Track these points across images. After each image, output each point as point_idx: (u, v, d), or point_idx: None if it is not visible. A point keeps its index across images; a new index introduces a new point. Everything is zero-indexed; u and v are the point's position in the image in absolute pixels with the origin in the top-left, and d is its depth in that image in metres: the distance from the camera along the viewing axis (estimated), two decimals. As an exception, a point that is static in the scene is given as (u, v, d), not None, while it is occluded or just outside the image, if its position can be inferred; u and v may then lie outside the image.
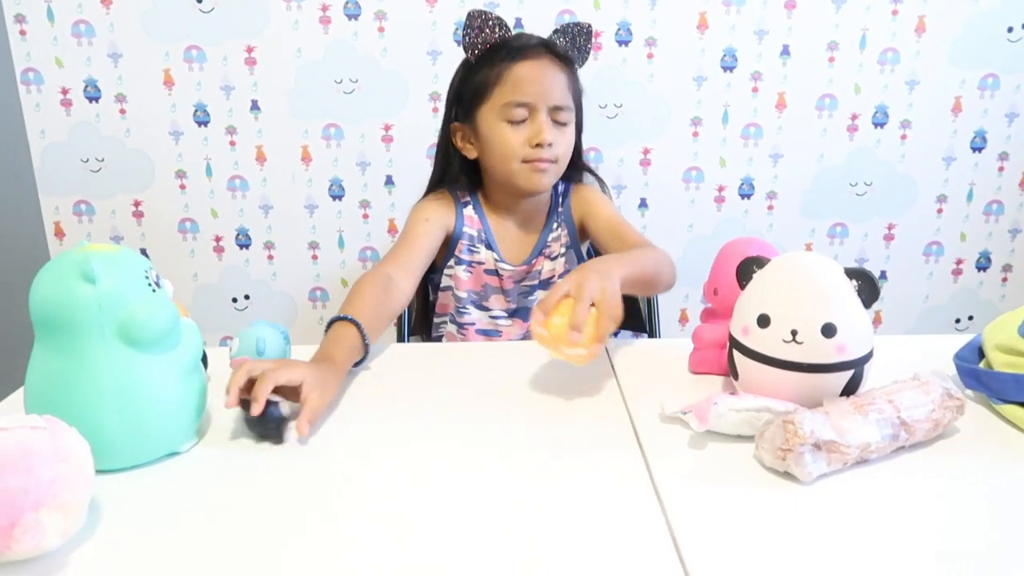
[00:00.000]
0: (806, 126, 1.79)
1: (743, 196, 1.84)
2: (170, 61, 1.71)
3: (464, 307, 1.22)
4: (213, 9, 1.68)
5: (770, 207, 1.85)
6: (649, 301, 1.54)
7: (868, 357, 0.83)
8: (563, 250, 1.23)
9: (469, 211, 1.20)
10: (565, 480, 0.70)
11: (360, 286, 1.03)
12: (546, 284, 1.23)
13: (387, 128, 1.76)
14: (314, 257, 1.85)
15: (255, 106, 1.74)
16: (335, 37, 1.70)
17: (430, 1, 1.68)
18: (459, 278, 1.21)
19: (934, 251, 1.89)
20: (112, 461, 0.69)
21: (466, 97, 1.15)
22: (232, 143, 1.77)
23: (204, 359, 0.94)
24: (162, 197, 1.80)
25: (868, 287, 0.82)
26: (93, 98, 1.73)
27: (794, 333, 0.80)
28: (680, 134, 1.79)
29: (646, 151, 1.80)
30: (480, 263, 1.21)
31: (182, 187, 1.80)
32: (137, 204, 1.80)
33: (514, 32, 1.14)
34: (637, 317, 1.53)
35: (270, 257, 1.85)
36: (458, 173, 1.19)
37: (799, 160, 1.82)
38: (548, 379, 0.95)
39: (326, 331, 0.97)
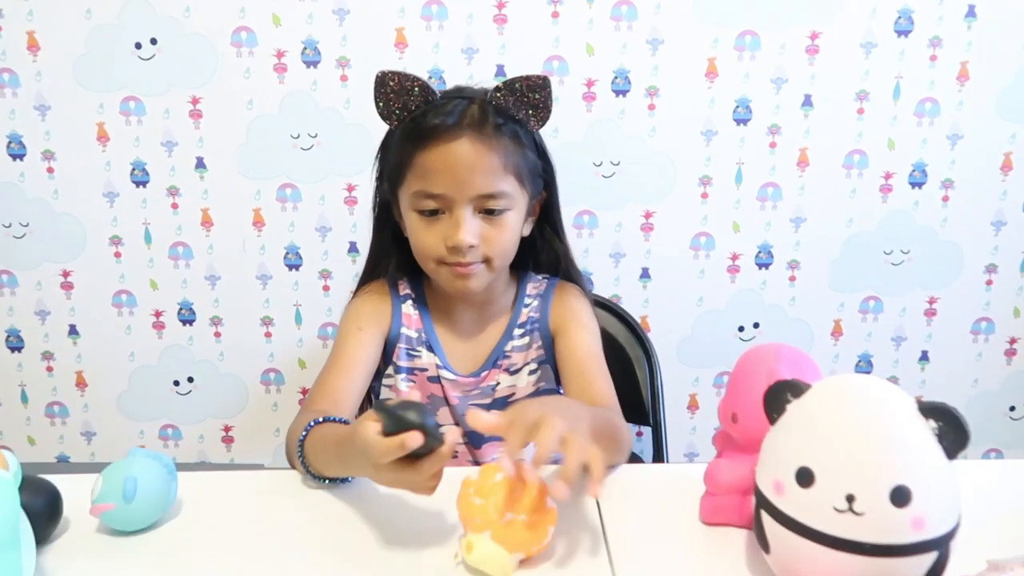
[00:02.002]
0: (832, 186, 1.57)
1: (760, 266, 1.61)
2: (105, 114, 1.51)
3: (408, 424, 0.99)
4: (154, 56, 1.48)
5: (792, 278, 1.62)
6: (652, 384, 1.32)
7: (955, 531, 0.59)
8: (534, 365, 1.00)
9: (408, 307, 0.98)
10: None
11: (298, 426, 0.84)
12: (504, 403, 1.00)
13: (350, 189, 1.55)
14: (267, 335, 1.63)
15: (201, 164, 1.54)
16: (292, 87, 1.50)
17: (399, 46, 1.48)
18: (399, 390, 0.98)
19: (983, 328, 1.65)
20: None
21: (387, 172, 0.95)
22: (174, 206, 1.56)
23: (57, 507, 0.73)
24: (94, 267, 1.59)
25: (952, 430, 0.59)
26: (17, 155, 1.53)
27: (850, 499, 0.57)
28: (687, 195, 1.58)
29: (648, 215, 1.58)
30: (423, 369, 0.98)
31: (117, 255, 1.58)
32: (66, 275, 1.59)
33: (446, 88, 0.94)
34: (636, 406, 1.30)
35: (217, 334, 1.63)
36: (391, 255, 0.98)
37: (825, 225, 1.60)
38: None
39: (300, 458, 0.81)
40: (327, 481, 0.80)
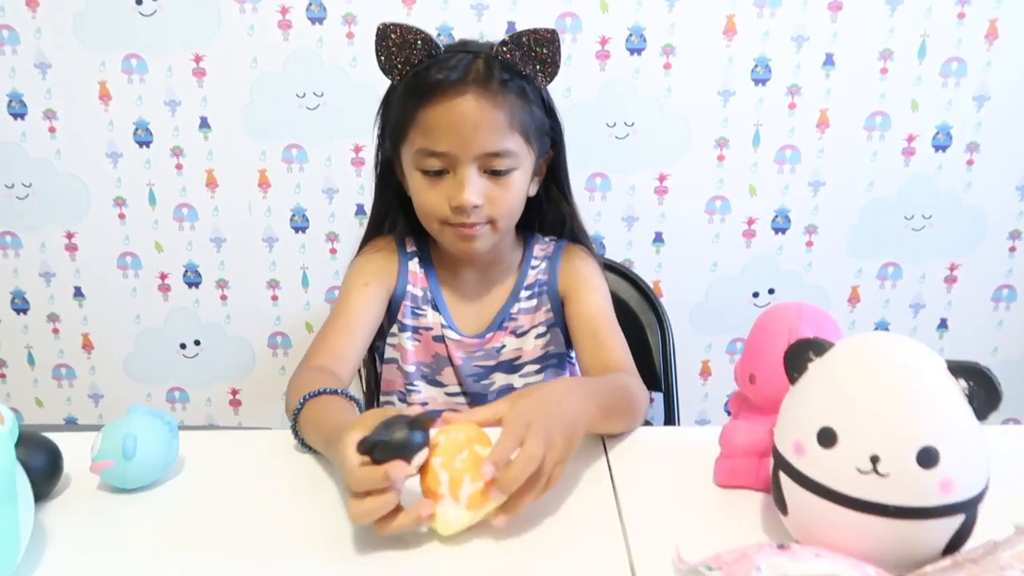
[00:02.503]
0: (853, 149, 1.53)
1: (777, 231, 1.57)
2: (106, 72, 1.47)
3: (412, 384, 0.97)
4: (155, 12, 1.45)
5: (809, 243, 1.58)
6: (664, 350, 1.29)
7: (983, 494, 0.56)
8: (542, 328, 0.97)
9: (414, 265, 0.96)
10: None
11: (298, 384, 0.82)
12: (509, 366, 0.97)
13: (357, 150, 1.52)
14: (274, 298, 1.61)
15: (204, 124, 1.51)
16: (297, 45, 1.46)
17: (407, 2, 1.44)
18: (404, 348, 0.95)
19: (1005, 296, 1.61)
20: None
21: (389, 129, 0.91)
22: (178, 167, 1.53)
23: (57, 463, 0.72)
24: (99, 228, 1.56)
25: (983, 390, 0.56)
26: (18, 114, 1.50)
27: (874, 460, 0.55)
28: (703, 158, 1.53)
29: (662, 177, 1.54)
30: (428, 328, 0.96)
31: (121, 217, 1.56)
32: (70, 236, 1.57)
33: (451, 43, 0.90)
34: (647, 369, 1.28)
35: (223, 297, 1.61)
36: (395, 215, 0.95)
37: (844, 189, 1.55)
38: None
39: (294, 431, 0.78)
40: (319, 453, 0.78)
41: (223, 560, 0.61)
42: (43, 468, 0.70)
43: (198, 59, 1.47)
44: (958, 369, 0.56)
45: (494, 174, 0.87)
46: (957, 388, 0.55)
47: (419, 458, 0.61)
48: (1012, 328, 1.63)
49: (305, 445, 0.77)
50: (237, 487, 0.73)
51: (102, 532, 0.66)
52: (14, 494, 0.58)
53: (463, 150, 0.85)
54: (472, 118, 0.84)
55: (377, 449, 0.60)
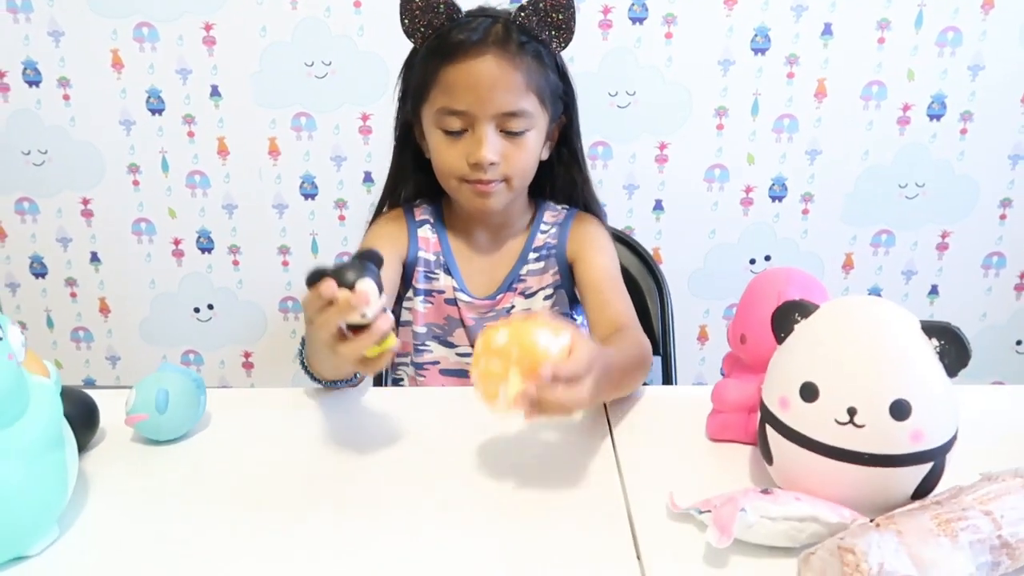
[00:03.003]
0: (849, 118, 1.56)
1: (774, 199, 1.61)
2: (118, 40, 1.51)
3: (423, 344, 1.01)
4: (165, -20, 1.47)
5: (805, 211, 1.62)
6: (662, 315, 1.34)
7: (951, 444, 0.61)
8: (549, 290, 1.01)
9: (425, 231, 1.00)
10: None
11: None
12: None
13: (365, 118, 1.55)
14: (284, 263, 1.65)
15: (215, 92, 1.54)
16: (305, 14, 1.49)
17: (413, -29, 1.46)
18: (416, 311, 1.00)
19: (994, 263, 1.65)
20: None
21: (410, 91, 0.95)
22: (190, 134, 1.57)
23: (94, 417, 0.77)
24: (113, 195, 1.61)
25: (954, 348, 0.60)
26: (33, 82, 1.54)
27: (851, 412, 0.59)
28: (702, 127, 1.57)
29: (663, 146, 1.57)
30: (440, 291, 1.00)
31: (135, 183, 1.60)
32: (86, 202, 1.61)
33: (470, 9, 0.93)
34: (646, 334, 1.32)
35: (235, 263, 1.66)
36: (410, 178, 0.99)
37: (840, 158, 1.59)
38: (517, 444, 0.75)
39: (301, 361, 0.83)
40: (324, 384, 0.83)
41: (247, 505, 0.66)
42: (82, 420, 0.75)
43: (208, 28, 1.50)
44: (931, 329, 0.60)
45: (510, 134, 0.91)
46: (929, 346, 0.60)
47: (364, 284, 0.65)
48: (1000, 294, 1.68)
49: (309, 375, 0.82)
50: (258, 439, 0.78)
51: (137, 480, 0.71)
52: (63, 442, 0.63)
53: (481, 109, 0.89)
54: (491, 78, 0.88)
55: (316, 276, 0.65)
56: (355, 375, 0.83)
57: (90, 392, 0.78)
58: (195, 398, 0.79)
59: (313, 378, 0.83)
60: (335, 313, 0.64)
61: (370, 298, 0.65)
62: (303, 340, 0.83)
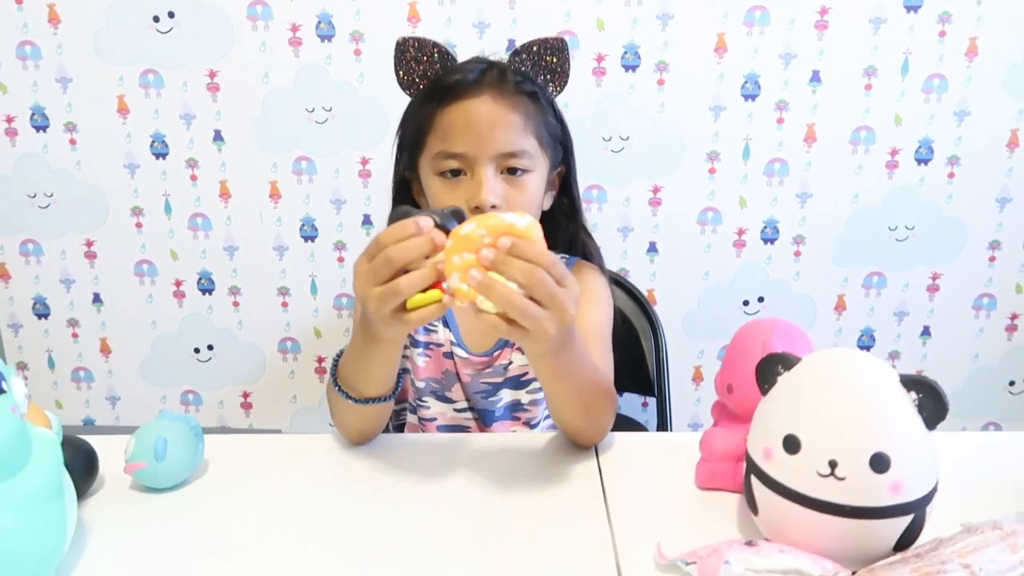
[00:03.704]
0: (839, 162, 1.59)
1: (766, 241, 1.63)
2: (124, 86, 1.54)
3: (423, 399, 1.01)
4: (172, 30, 1.51)
5: (797, 253, 1.64)
6: (657, 356, 1.35)
7: (931, 496, 0.63)
8: None
9: None
10: None
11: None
12: (516, 382, 1.00)
13: (364, 162, 1.58)
14: (284, 304, 1.67)
15: (218, 137, 1.57)
16: (306, 60, 1.53)
17: (412, 20, 1.50)
18: (416, 364, 1.00)
19: (985, 304, 1.67)
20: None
21: (407, 143, 0.96)
22: (193, 178, 1.60)
23: (93, 464, 0.79)
24: (117, 237, 1.63)
25: (932, 401, 0.62)
26: (41, 127, 1.57)
27: (833, 465, 0.61)
28: (695, 170, 1.59)
29: (656, 189, 1.60)
30: (439, 344, 1.00)
31: (138, 226, 1.62)
32: (90, 244, 1.64)
33: (467, 58, 0.95)
34: (641, 375, 1.34)
35: (235, 304, 1.67)
36: None
37: (831, 201, 1.61)
38: (505, 490, 0.77)
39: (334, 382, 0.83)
40: (356, 401, 0.80)
41: (246, 555, 0.68)
42: (82, 468, 0.76)
43: (212, 74, 1.54)
44: (909, 382, 0.62)
45: (511, 173, 0.90)
46: (908, 399, 0.62)
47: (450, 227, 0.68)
48: (992, 335, 1.69)
49: (346, 395, 0.80)
50: (256, 486, 0.79)
51: (136, 528, 0.72)
52: (63, 493, 0.64)
53: (480, 150, 0.88)
54: (489, 117, 0.88)
55: (404, 212, 0.69)
56: (393, 391, 0.81)
57: (90, 438, 0.80)
58: (193, 445, 0.80)
59: (346, 395, 0.80)
60: (417, 246, 0.65)
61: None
62: (335, 358, 0.82)
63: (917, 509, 0.61)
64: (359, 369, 0.79)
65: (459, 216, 0.70)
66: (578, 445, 0.85)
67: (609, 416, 0.85)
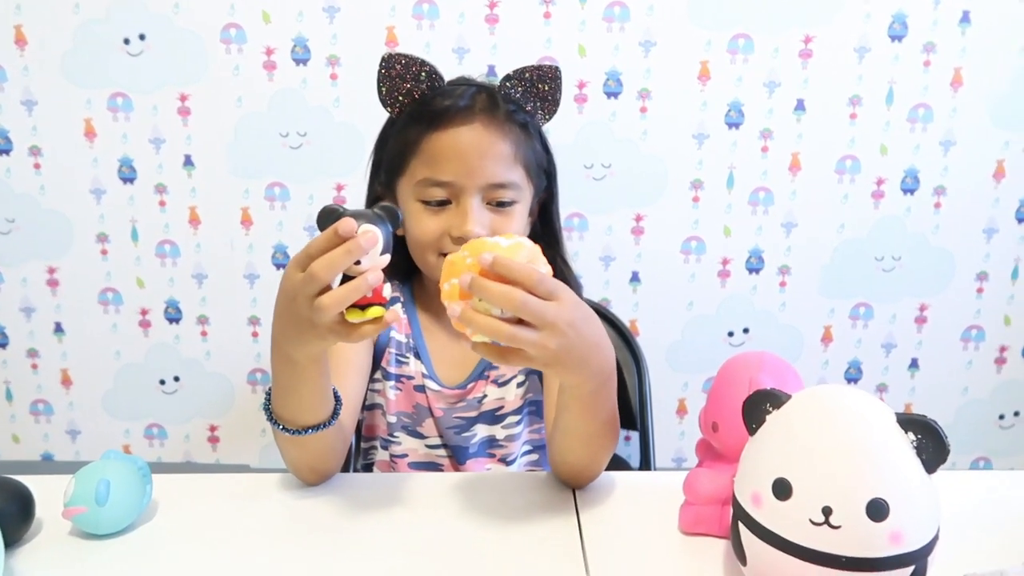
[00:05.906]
0: (824, 191, 1.57)
1: (751, 271, 1.60)
2: (92, 109, 1.50)
3: (393, 435, 0.96)
4: (142, 52, 1.47)
5: (782, 284, 1.61)
6: (640, 388, 1.31)
7: (933, 545, 0.58)
8: (521, 377, 0.96)
9: (397, 309, 0.96)
10: None
11: None
12: (491, 416, 0.95)
13: (340, 188, 1.54)
14: (254, 334, 1.62)
15: (188, 161, 1.53)
16: (281, 85, 1.49)
17: (390, 44, 1.47)
18: (388, 398, 0.95)
19: (973, 336, 1.65)
20: None
21: (385, 163, 0.91)
22: (162, 203, 1.55)
23: (29, 509, 0.72)
24: (81, 264, 1.58)
25: (931, 443, 0.58)
26: (3, 151, 1.52)
27: (827, 512, 0.56)
28: (678, 199, 1.57)
29: (639, 218, 1.57)
30: (410, 377, 0.95)
31: (104, 253, 1.57)
32: (52, 271, 1.58)
33: (453, 78, 0.91)
34: (623, 408, 1.29)
35: (203, 333, 1.62)
36: None
37: (816, 230, 1.59)
38: (484, 529, 0.72)
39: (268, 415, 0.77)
40: (291, 432, 0.74)
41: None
42: (15, 513, 0.70)
43: (183, 98, 1.50)
44: (907, 422, 0.58)
45: (498, 205, 0.87)
46: (906, 441, 0.57)
47: (374, 229, 0.62)
48: (981, 367, 1.67)
49: (280, 427, 0.74)
50: (209, 531, 0.73)
51: (73, 579, 0.66)
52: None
53: (468, 179, 0.84)
54: (479, 147, 0.84)
55: (332, 214, 0.62)
56: (331, 417, 0.75)
57: (30, 478, 0.74)
58: (139, 488, 0.74)
59: (280, 427, 0.74)
60: (343, 254, 0.60)
61: (379, 244, 0.62)
62: (267, 392, 0.77)
63: (918, 560, 0.57)
64: (289, 397, 0.74)
65: (392, 214, 0.65)
66: (568, 485, 0.81)
67: (609, 456, 0.81)
